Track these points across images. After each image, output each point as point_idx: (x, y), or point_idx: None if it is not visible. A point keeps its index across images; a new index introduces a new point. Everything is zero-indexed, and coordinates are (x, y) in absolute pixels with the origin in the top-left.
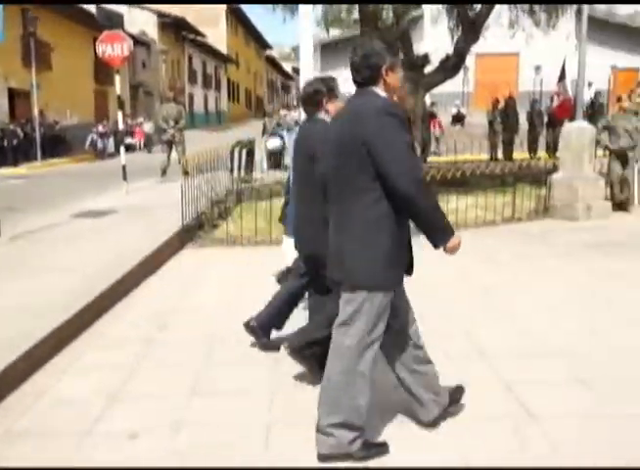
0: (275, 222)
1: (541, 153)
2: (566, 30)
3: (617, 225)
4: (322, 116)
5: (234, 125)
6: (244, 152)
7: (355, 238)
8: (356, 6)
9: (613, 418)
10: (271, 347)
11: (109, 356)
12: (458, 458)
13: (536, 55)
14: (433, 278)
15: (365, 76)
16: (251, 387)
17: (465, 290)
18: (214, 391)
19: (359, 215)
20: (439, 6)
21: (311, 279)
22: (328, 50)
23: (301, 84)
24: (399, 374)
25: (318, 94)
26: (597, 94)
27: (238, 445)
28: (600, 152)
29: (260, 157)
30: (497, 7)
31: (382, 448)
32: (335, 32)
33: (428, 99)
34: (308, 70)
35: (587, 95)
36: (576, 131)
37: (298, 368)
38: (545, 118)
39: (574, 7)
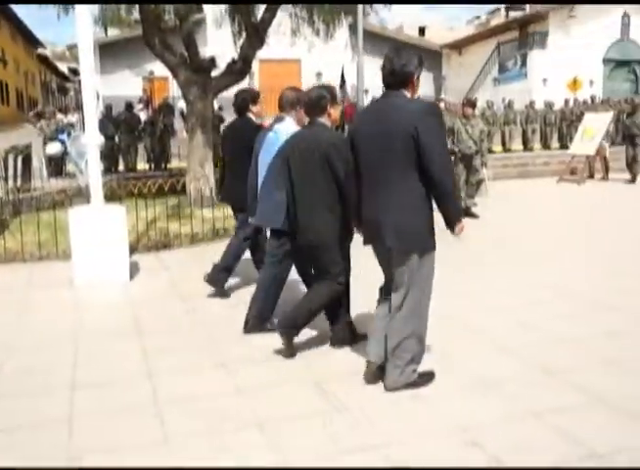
0: (61, 233)
1: None
2: (343, 40)
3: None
4: (324, 120)
5: (5, 129)
6: (19, 158)
7: (405, 212)
8: (137, 5)
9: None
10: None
11: None
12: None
13: (317, 62)
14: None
15: (400, 81)
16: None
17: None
18: None
19: (407, 194)
20: (222, 10)
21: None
22: (107, 51)
23: (83, 86)
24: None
25: (323, 100)
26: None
27: None
28: None
29: (39, 163)
30: (279, 15)
31: (431, 375)
32: (114, 32)
33: (216, 103)
34: (89, 71)
35: (366, 101)
36: None
37: None
38: None
39: (350, 20)
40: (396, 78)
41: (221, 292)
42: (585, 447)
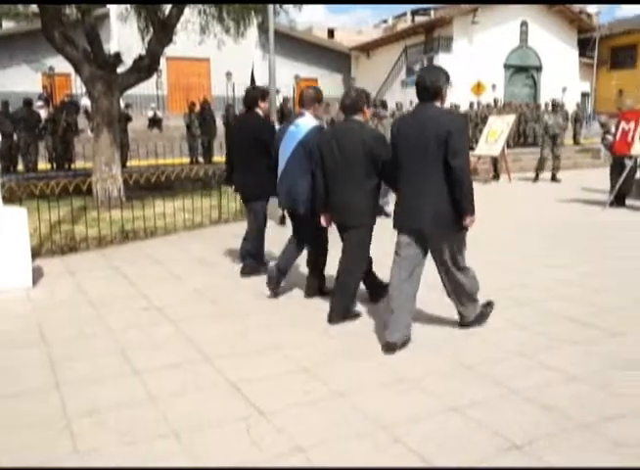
0: None
1: None
2: (253, 40)
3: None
4: (359, 117)
5: None
6: None
7: (441, 201)
8: None
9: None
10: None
11: None
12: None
13: (227, 61)
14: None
15: (432, 94)
16: None
17: (177, 292)
18: None
19: (438, 182)
20: (128, 5)
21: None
22: (1, 44)
23: None
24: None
25: (359, 102)
26: (285, 100)
27: None
28: None
29: None
30: (187, 11)
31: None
32: (9, 25)
33: (122, 101)
34: None
35: (277, 101)
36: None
37: None
38: None
39: (260, 19)
40: (429, 93)
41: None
42: (503, 439)
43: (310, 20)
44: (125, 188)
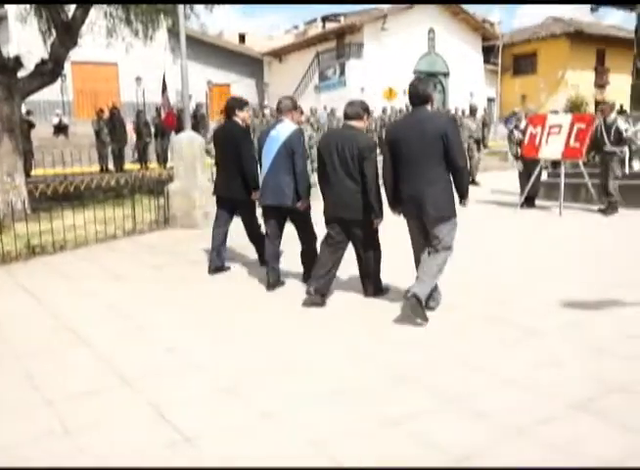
0: None
1: (152, 163)
2: (163, 43)
3: (234, 230)
4: (355, 123)
5: None
6: None
7: (436, 192)
8: None
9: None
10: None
11: None
12: None
13: (136, 66)
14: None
15: (423, 100)
16: None
17: (90, 309)
18: None
19: (440, 177)
20: (27, 6)
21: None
22: None
23: None
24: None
25: (360, 112)
26: (198, 106)
27: None
28: (212, 161)
29: None
30: (93, 13)
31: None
32: None
33: (24, 107)
34: None
35: (191, 106)
36: (187, 141)
37: None
38: (152, 129)
39: (169, 22)
40: (421, 99)
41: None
42: (440, 451)
43: (221, 24)
44: (31, 199)
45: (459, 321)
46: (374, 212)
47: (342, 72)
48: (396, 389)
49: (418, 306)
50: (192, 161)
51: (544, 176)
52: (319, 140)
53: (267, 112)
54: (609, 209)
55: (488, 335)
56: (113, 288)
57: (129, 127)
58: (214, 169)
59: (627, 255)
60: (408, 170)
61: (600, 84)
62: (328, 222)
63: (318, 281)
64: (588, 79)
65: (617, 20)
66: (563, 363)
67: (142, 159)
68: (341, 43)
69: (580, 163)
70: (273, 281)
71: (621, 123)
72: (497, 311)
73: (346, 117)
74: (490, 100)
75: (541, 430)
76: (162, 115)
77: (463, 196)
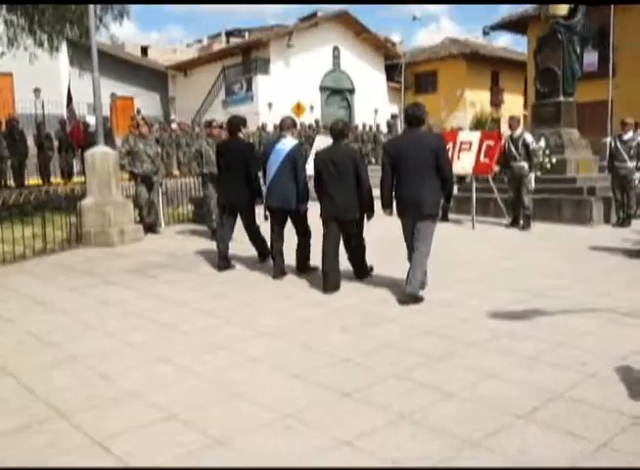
0: None
1: (57, 179)
2: (63, 54)
3: (152, 247)
4: (344, 141)
5: None
6: None
7: (430, 194)
8: None
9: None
10: None
11: None
12: None
13: (34, 77)
14: None
15: (418, 121)
16: None
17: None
18: None
19: (431, 184)
20: None
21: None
22: None
23: None
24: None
25: (346, 129)
26: (104, 120)
27: None
28: (126, 176)
29: None
30: None
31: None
32: None
33: None
34: None
35: (93, 120)
36: (100, 156)
37: None
38: (56, 143)
39: (77, 32)
40: (417, 120)
41: (280, 271)
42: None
43: (121, 36)
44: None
45: (396, 336)
46: (368, 211)
47: (250, 88)
48: (342, 407)
49: (413, 300)
50: (106, 176)
51: (455, 191)
52: (316, 155)
53: (174, 126)
54: (524, 222)
55: (426, 348)
56: (31, 313)
57: (30, 141)
58: (132, 183)
59: (545, 265)
60: (408, 177)
61: (495, 103)
62: (325, 222)
63: (334, 273)
64: (485, 98)
65: (506, 42)
66: (500, 374)
67: (44, 174)
68: (247, 58)
69: (489, 178)
70: (280, 271)
71: (528, 137)
72: (431, 323)
73: (333, 135)
74: (394, 116)
75: (493, 441)
76: (68, 128)
77: (449, 197)
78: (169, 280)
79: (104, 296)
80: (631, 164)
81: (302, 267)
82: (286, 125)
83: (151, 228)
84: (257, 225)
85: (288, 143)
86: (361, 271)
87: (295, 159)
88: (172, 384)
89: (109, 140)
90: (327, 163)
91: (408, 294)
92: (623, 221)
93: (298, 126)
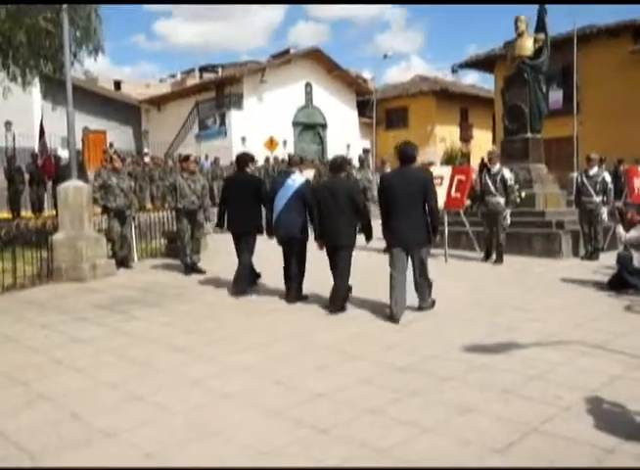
0: None
1: (27, 212)
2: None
3: (124, 282)
4: (342, 175)
5: None
6: None
7: (419, 226)
8: None
9: None
10: None
11: None
12: None
13: (5, 110)
14: None
15: (410, 159)
16: None
17: None
18: None
19: (420, 217)
20: None
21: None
22: None
23: None
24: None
25: (344, 164)
26: (77, 153)
27: None
28: (98, 210)
29: None
30: None
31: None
32: None
33: None
34: None
35: (65, 153)
36: (73, 190)
37: None
38: (27, 176)
39: (51, 67)
40: (409, 158)
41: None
42: None
43: (94, 71)
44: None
45: (371, 371)
46: (367, 236)
47: (223, 122)
48: (320, 444)
49: (428, 309)
50: (79, 210)
51: None
52: (316, 187)
53: (147, 159)
54: (497, 257)
55: (401, 383)
56: (0, 351)
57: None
58: (104, 217)
59: (517, 298)
60: (402, 209)
61: (465, 138)
62: (328, 248)
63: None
64: (455, 133)
65: (474, 79)
66: (476, 408)
67: (14, 207)
68: (220, 93)
69: (461, 212)
70: (295, 294)
71: (507, 173)
72: (406, 358)
73: (332, 170)
74: (366, 151)
75: None
76: (39, 161)
77: (435, 228)
78: (142, 316)
79: (75, 332)
80: (597, 199)
81: (296, 295)
82: (294, 162)
83: (123, 263)
84: (253, 249)
85: (297, 179)
86: (337, 296)
87: (304, 194)
88: (146, 423)
89: (81, 174)
90: (326, 194)
91: (426, 307)
92: (592, 255)
93: (272, 161)
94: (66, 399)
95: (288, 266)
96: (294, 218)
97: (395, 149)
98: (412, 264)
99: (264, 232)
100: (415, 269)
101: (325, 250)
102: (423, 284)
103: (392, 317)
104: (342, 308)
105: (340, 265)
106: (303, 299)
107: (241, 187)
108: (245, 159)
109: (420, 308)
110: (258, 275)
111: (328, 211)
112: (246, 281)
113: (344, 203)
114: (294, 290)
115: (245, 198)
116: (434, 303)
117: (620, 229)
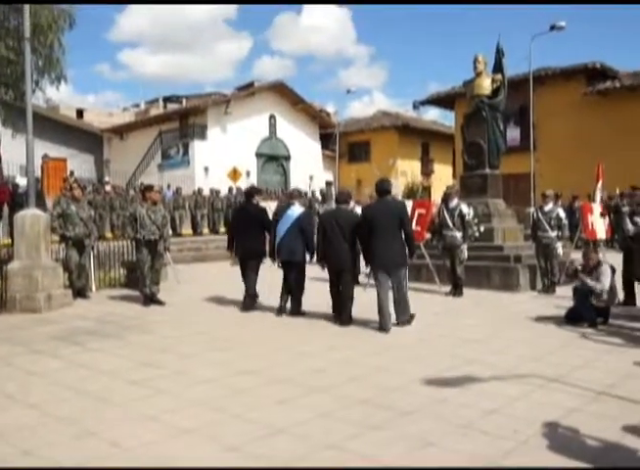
0: None
1: None
2: None
3: (80, 313)
4: (346, 206)
5: None
6: None
7: (398, 251)
8: None
9: None
10: None
11: None
12: None
13: None
14: None
15: (387, 192)
16: None
17: None
18: None
19: (398, 242)
20: None
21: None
22: None
23: None
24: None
25: (349, 196)
26: (36, 181)
27: None
28: (55, 238)
29: None
30: None
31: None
32: None
33: None
34: None
35: (23, 181)
36: (31, 219)
37: None
38: None
39: (12, 95)
40: (386, 191)
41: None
42: None
43: (56, 98)
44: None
45: (332, 405)
46: (367, 261)
47: (186, 152)
48: None
49: (408, 323)
50: (36, 239)
51: None
52: (322, 215)
53: (108, 188)
54: (457, 290)
55: (361, 417)
56: None
57: None
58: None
59: (476, 331)
60: (381, 236)
61: (426, 172)
62: (331, 271)
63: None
64: (416, 167)
65: (435, 115)
66: (436, 442)
67: None
68: (184, 124)
69: (422, 245)
70: (289, 310)
71: (464, 208)
72: (365, 392)
73: (338, 201)
74: (329, 184)
75: None
76: None
77: (412, 252)
78: (98, 348)
79: (28, 365)
80: (553, 234)
81: (295, 312)
82: (295, 195)
83: (80, 293)
84: (258, 272)
85: (296, 210)
86: (345, 316)
87: (302, 222)
88: (101, 460)
89: (39, 202)
90: (332, 223)
91: (405, 320)
92: (548, 288)
93: (235, 191)
94: (17, 435)
95: (286, 284)
96: (293, 244)
97: (375, 185)
98: (391, 283)
99: (268, 256)
100: (394, 287)
101: (327, 271)
102: (401, 301)
103: (383, 328)
104: (348, 321)
105: (345, 286)
106: (302, 314)
107: (248, 217)
108: (252, 192)
109: (398, 323)
110: (256, 296)
111: (332, 238)
112: (249, 303)
113: (348, 230)
114: (292, 305)
115: (252, 226)
116: (412, 317)
117: (589, 281)
